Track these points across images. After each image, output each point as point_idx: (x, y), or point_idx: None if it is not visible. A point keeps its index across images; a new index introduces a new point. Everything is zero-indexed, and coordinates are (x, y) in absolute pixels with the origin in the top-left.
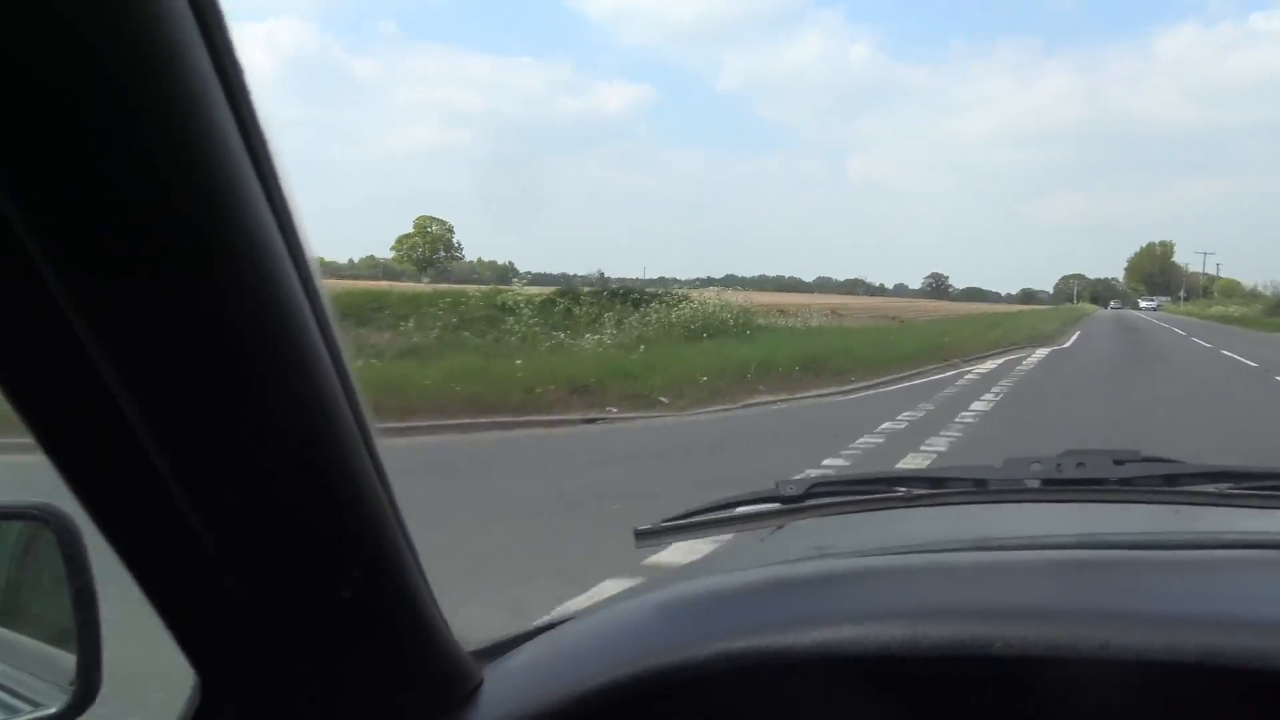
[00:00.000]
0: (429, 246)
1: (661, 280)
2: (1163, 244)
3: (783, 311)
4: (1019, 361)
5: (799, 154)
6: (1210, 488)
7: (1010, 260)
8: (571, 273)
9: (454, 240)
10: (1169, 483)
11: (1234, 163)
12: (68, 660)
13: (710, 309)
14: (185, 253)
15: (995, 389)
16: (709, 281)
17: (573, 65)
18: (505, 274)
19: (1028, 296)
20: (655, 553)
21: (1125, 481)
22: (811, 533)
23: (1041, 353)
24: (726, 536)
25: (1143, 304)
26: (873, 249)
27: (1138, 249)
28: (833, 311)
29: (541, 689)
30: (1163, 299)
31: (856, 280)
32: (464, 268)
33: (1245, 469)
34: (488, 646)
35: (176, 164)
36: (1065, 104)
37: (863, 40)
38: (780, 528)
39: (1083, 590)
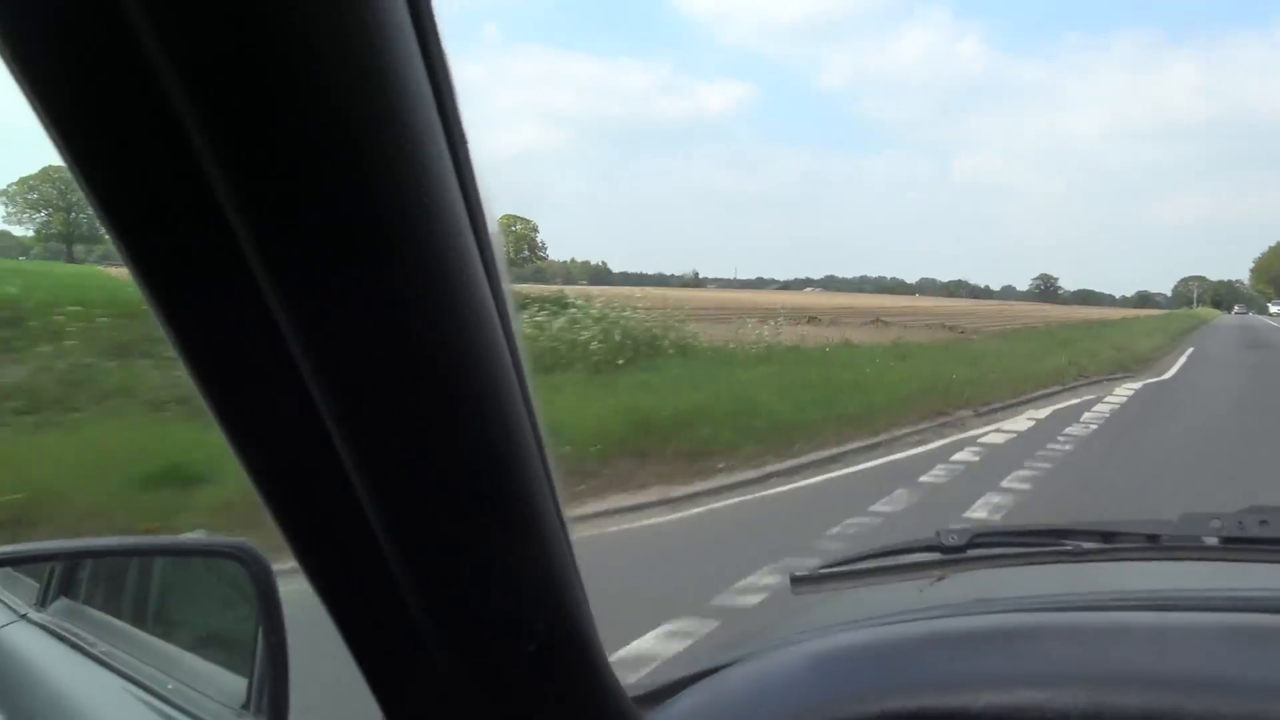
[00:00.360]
0: (513, 246)
1: (759, 280)
2: None
3: (762, 321)
4: (1070, 417)
5: (903, 153)
6: None
7: (1126, 261)
8: (667, 272)
9: (538, 240)
10: None
11: None
12: (239, 685)
13: (612, 318)
14: (393, 260)
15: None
16: (807, 282)
17: (674, 65)
18: (599, 274)
19: (1143, 300)
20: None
21: None
22: (973, 585)
23: (1121, 394)
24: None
25: (1273, 309)
26: (979, 250)
27: (1266, 248)
28: (877, 319)
29: None
30: None
31: (959, 282)
32: (555, 267)
33: None
34: (647, 692)
35: (390, 167)
36: (1188, 98)
37: (971, 35)
38: (941, 578)
39: (1270, 659)
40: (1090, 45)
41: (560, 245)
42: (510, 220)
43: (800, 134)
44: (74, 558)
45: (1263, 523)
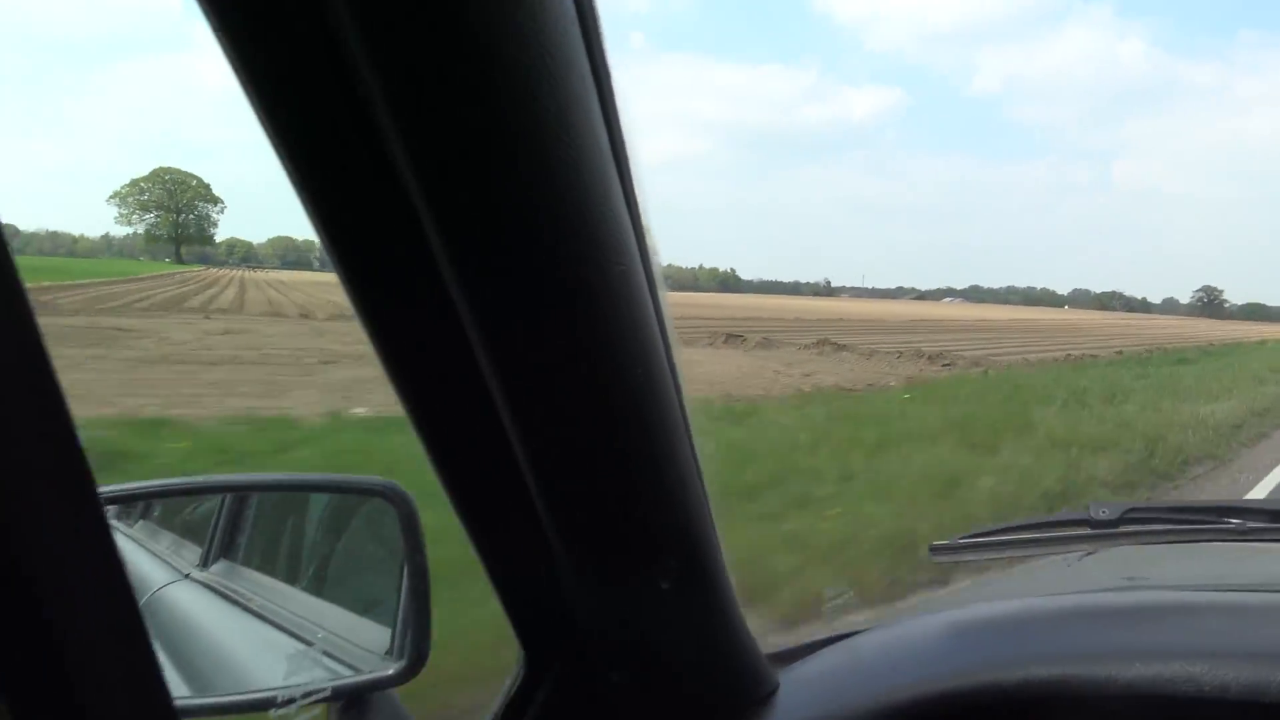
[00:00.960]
0: None
1: (898, 290)
2: None
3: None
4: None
5: (1058, 159)
6: None
7: None
8: (801, 280)
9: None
10: None
11: None
12: (384, 634)
13: None
14: (561, 247)
15: None
16: (947, 292)
17: (819, 71)
18: (728, 281)
19: None
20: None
21: None
22: (1124, 561)
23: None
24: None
25: None
26: (1139, 260)
27: None
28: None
29: (840, 698)
30: None
31: (1113, 294)
32: (683, 274)
33: None
34: (783, 651)
35: (560, 171)
36: None
37: (1135, 36)
38: (1090, 554)
39: None
40: (1268, 43)
41: (691, 252)
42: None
43: (948, 140)
44: (238, 489)
45: None
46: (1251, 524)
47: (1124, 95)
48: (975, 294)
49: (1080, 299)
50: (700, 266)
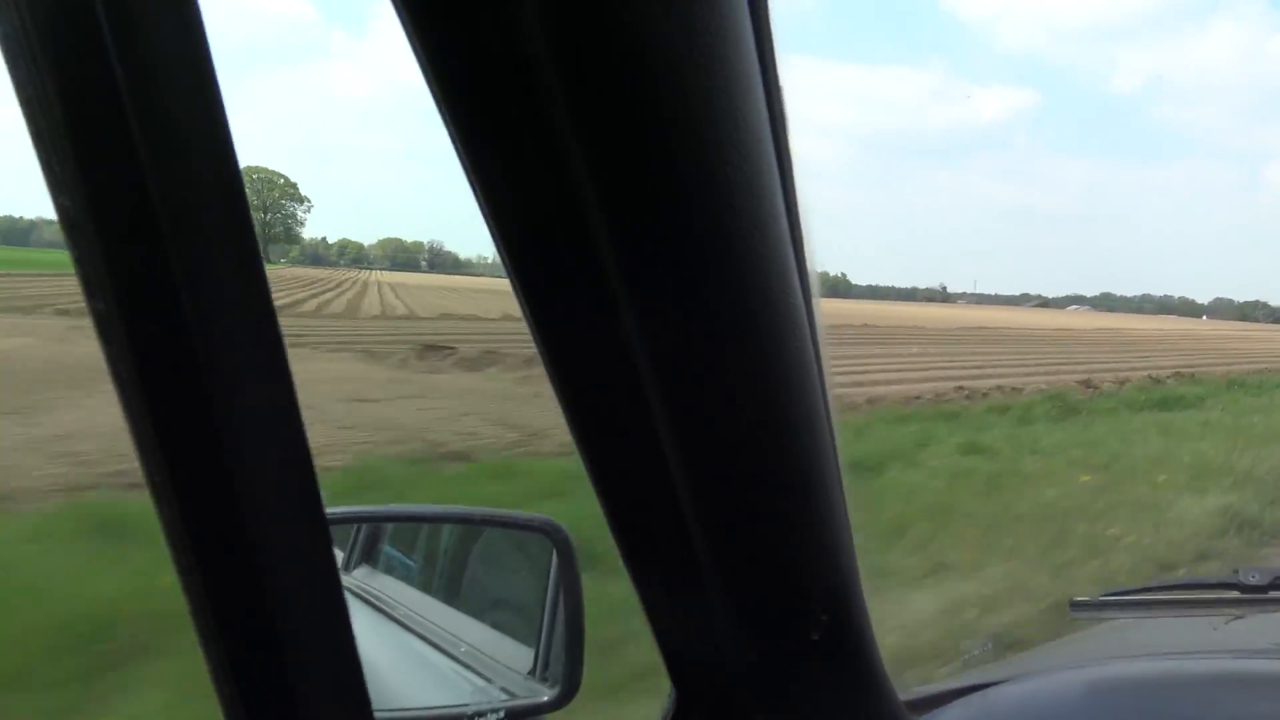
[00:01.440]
0: None
1: (1023, 296)
2: None
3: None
4: None
5: (1203, 161)
6: None
7: None
8: (915, 286)
9: None
10: None
11: None
12: (526, 654)
13: None
14: (724, 252)
15: None
16: (1074, 299)
17: (946, 71)
18: (838, 286)
19: None
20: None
21: None
22: (1275, 627)
23: None
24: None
25: None
26: None
27: None
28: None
29: None
30: None
31: (1257, 303)
32: None
33: None
34: (920, 698)
35: (729, 184)
36: None
37: None
38: (1239, 617)
39: None
40: None
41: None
42: None
43: (1082, 142)
44: (408, 520)
45: None
46: None
47: (1276, 94)
48: (1106, 301)
49: (1222, 309)
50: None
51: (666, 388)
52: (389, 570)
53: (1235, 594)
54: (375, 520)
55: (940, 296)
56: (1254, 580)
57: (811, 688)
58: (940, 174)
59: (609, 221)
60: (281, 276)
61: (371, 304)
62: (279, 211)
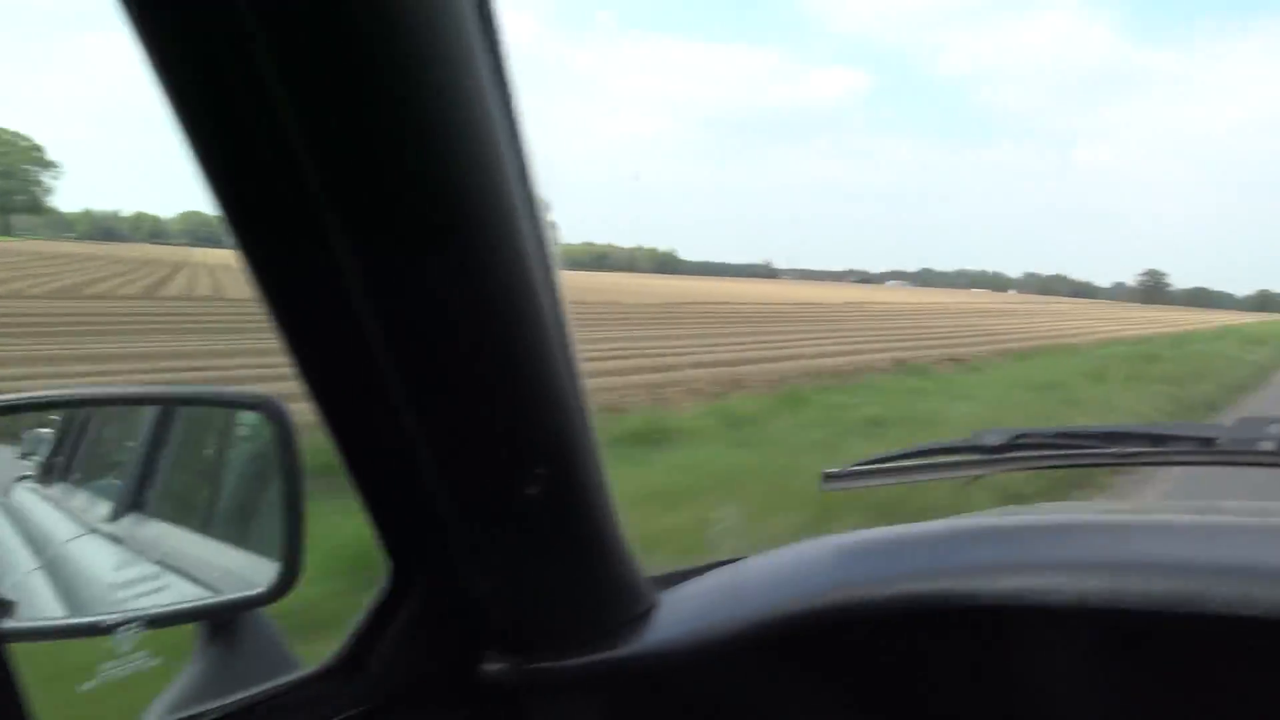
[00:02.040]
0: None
1: (849, 272)
2: None
3: None
4: None
5: (1022, 143)
6: None
7: (1250, 259)
8: (739, 262)
9: None
10: None
11: None
12: (235, 546)
13: None
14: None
15: None
16: (894, 275)
17: (784, 52)
18: (666, 262)
19: (1264, 301)
20: None
21: None
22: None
23: None
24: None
25: None
26: (1093, 245)
27: None
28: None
29: (716, 616)
30: None
31: (1058, 277)
32: (620, 254)
33: None
34: (666, 574)
35: (452, 145)
36: None
37: (1102, 22)
38: (977, 479)
39: None
40: (1228, 33)
41: (646, 233)
42: None
43: (915, 123)
44: (92, 403)
45: None
46: (1132, 448)
47: (1088, 81)
48: (925, 277)
49: (1030, 283)
50: (639, 247)
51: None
52: (92, 479)
53: (977, 455)
54: (44, 406)
55: (765, 273)
56: (992, 442)
57: (535, 549)
58: (778, 151)
59: (325, 178)
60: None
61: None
62: (19, 178)
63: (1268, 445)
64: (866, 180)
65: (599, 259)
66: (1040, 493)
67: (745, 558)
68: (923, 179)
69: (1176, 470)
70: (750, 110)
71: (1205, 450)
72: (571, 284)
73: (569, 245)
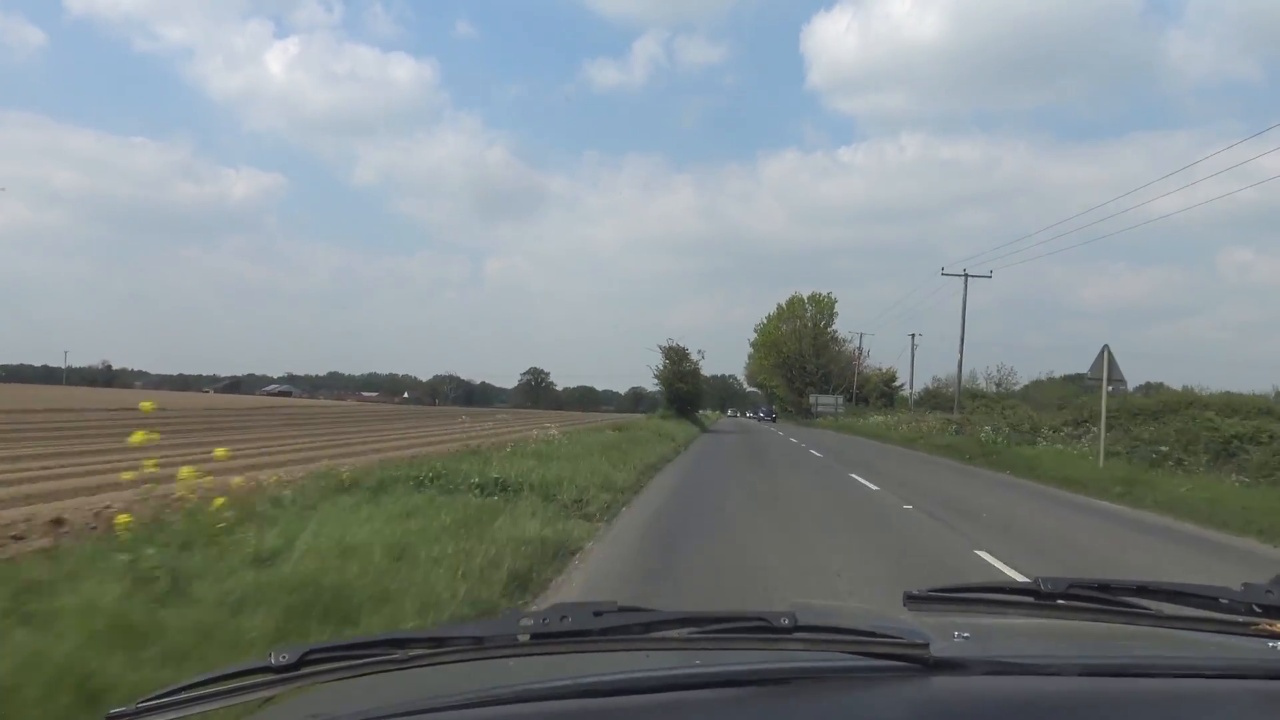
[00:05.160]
0: None
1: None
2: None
3: None
4: None
5: (440, 253)
6: (675, 633)
7: (623, 363)
8: (190, 373)
9: None
10: (644, 630)
11: (833, 277)
12: None
13: None
14: None
15: None
16: (279, 380)
17: (194, 148)
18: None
19: (637, 398)
20: None
21: (606, 631)
22: (311, 703)
23: None
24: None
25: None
26: (497, 349)
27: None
28: None
29: None
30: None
31: (447, 377)
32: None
33: (707, 613)
34: None
35: None
36: (692, 218)
37: (500, 144)
38: (270, 700)
39: None
40: (607, 164)
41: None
42: None
43: (331, 229)
44: None
45: (564, 618)
46: (414, 651)
47: (493, 198)
48: (335, 380)
49: (442, 384)
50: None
51: None
52: None
53: (271, 676)
54: None
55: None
56: (283, 660)
57: None
58: (198, 253)
59: None
60: None
61: None
62: None
63: (524, 638)
64: (296, 284)
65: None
66: None
67: None
68: (341, 284)
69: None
70: (159, 207)
71: (476, 649)
72: None
73: None
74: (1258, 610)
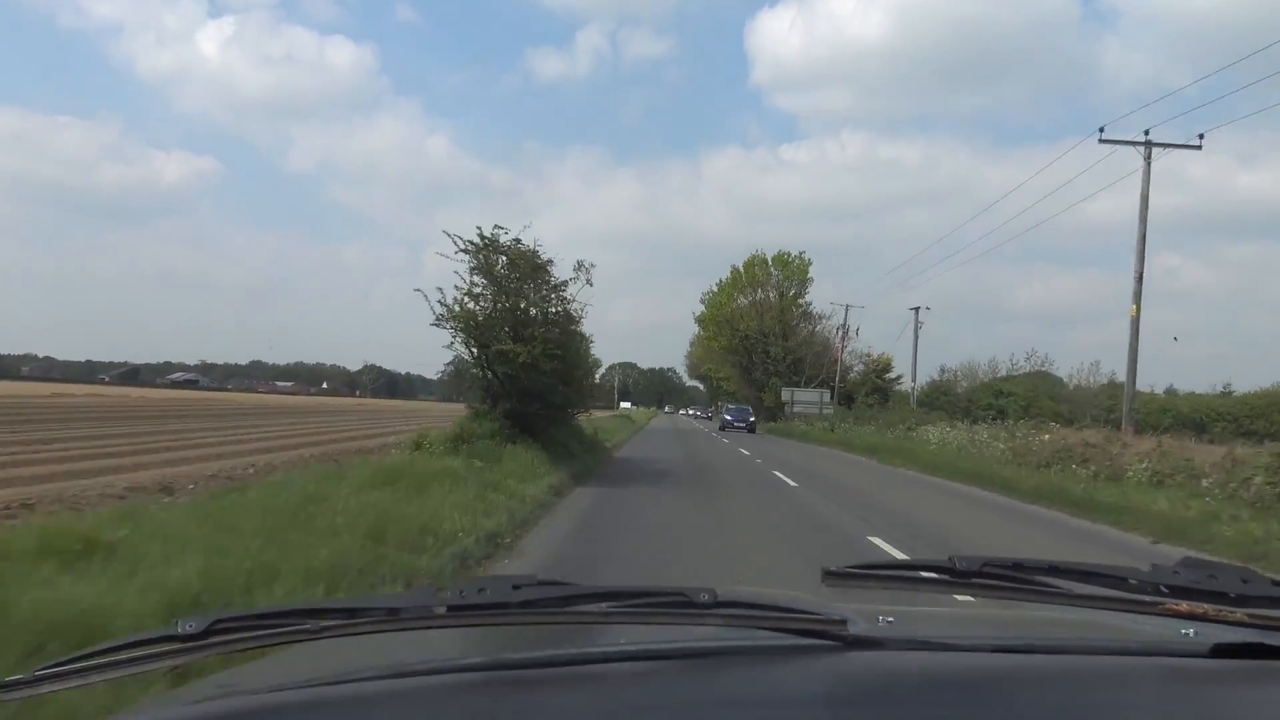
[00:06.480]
0: None
1: (206, 368)
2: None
3: None
4: None
5: (377, 242)
6: (595, 607)
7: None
8: (96, 359)
9: None
10: (563, 604)
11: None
12: None
13: None
14: None
15: None
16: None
17: (122, 128)
18: None
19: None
20: None
21: (525, 604)
22: (218, 671)
23: None
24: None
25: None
26: (430, 340)
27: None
28: None
29: None
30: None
31: (370, 367)
32: None
33: (627, 589)
34: None
35: None
36: (632, 213)
37: (442, 133)
38: (176, 669)
39: (488, 712)
40: (549, 155)
41: None
42: None
43: (265, 215)
44: None
45: (481, 590)
46: (326, 622)
47: (433, 187)
48: (254, 371)
49: (367, 373)
50: None
51: None
52: None
53: (175, 645)
54: None
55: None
56: (189, 630)
57: None
58: (124, 237)
59: None
60: None
61: None
62: None
63: (439, 610)
64: (214, 270)
65: None
66: None
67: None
68: (277, 271)
69: None
70: (85, 190)
71: (392, 619)
72: None
73: None
74: (1164, 591)
